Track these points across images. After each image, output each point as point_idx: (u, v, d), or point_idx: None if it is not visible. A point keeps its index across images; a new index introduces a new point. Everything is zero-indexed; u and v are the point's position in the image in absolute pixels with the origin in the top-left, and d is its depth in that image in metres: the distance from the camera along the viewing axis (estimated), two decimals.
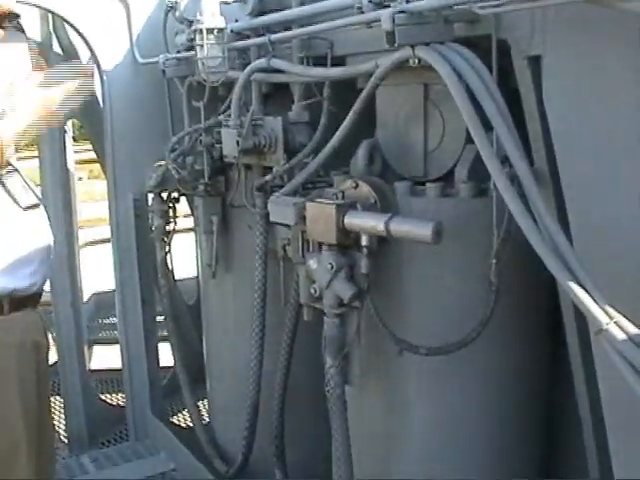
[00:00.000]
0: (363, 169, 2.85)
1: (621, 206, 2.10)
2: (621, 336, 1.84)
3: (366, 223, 2.55)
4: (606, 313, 1.88)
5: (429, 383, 2.83)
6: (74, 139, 7.51)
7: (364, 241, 2.58)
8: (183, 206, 4.69)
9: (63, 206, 5.22)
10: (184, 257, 5.23)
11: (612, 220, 2.13)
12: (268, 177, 3.30)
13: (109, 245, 5.08)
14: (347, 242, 2.65)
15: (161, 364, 5.26)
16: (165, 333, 4.74)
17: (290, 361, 3.51)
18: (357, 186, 2.71)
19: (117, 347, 5.24)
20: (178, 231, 4.59)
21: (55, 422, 5.84)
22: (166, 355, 5.11)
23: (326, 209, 2.63)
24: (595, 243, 2.16)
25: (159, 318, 5.07)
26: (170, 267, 4.42)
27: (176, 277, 5.85)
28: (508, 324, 2.71)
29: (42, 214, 3.46)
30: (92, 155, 6.56)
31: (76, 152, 7.38)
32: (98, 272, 7.02)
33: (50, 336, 3.77)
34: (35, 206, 3.39)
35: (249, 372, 3.72)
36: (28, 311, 3.35)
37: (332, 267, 2.64)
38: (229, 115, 3.50)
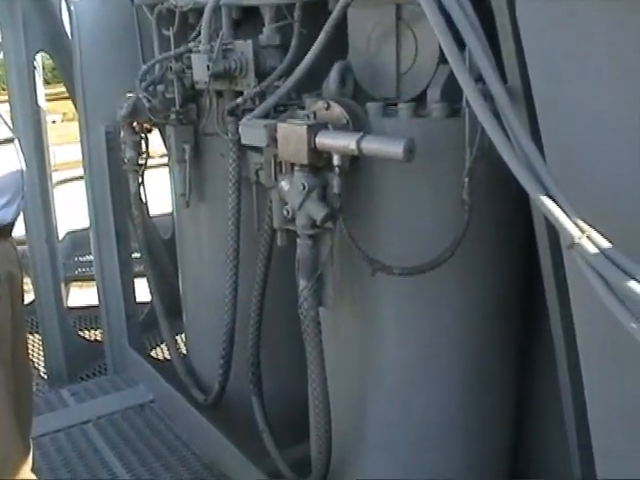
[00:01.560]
0: (335, 91, 2.81)
1: (593, 123, 2.09)
2: (593, 250, 1.84)
3: (338, 142, 2.53)
4: (578, 227, 1.87)
5: (403, 304, 2.84)
6: (47, 82, 7.38)
7: (336, 161, 2.56)
8: (160, 145, 4.65)
9: (35, 143, 5.13)
10: (160, 193, 5.21)
11: (585, 137, 2.12)
12: (239, 100, 3.26)
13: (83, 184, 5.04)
14: (319, 163, 2.63)
15: (138, 300, 5.27)
16: (142, 268, 4.73)
17: (265, 288, 3.51)
18: (329, 107, 2.68)
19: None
20: (153, 166, 4.54)
21: (34, 359, 5.87)
22: (143, 291, 5.11)
23: (297, 129, 2.60)
24: (567, 160, 2.15)
25: (135, 255, 5.06)
26: (144, 199, 4.37)
27: (152, 213, 5.84)
28: (482, 243, 2.72)
29: (15, 147, 3.40)
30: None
31: (48, 95, 7.26)
32: (74, 211, 6.99)
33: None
34: (9, 140, 3.33)
35: (224, 300, 3.73)
36: (0, 242, 3.31)
37: (304, 188, 2.63)
38: (199, 42, 3.45)
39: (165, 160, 4.39)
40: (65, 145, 13.31)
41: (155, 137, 4.51)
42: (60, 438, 4.36)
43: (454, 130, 2.53)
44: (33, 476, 3.28)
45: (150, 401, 4.65)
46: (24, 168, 3.35)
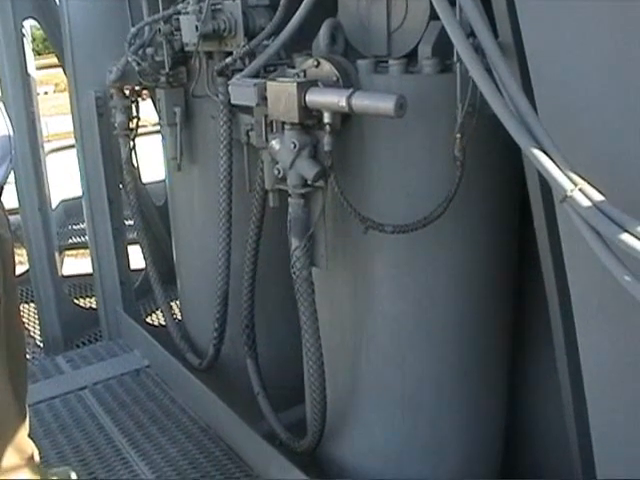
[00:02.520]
0: (325, 49, 2.78)
1: (585, 77, 2.07)
2: (585, 202, 1.82)
3: (328, 99, 2.50)
4: (570, 179, 1.86)
5: (396, 262, 2.83)
6: (38, 53, 7.31)
7: (326, 118, 2.54)
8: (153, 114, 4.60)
9: (26, 111, 5.08)
10: (152, 161, 5.19)
11: (577, 91, 2.09)
12: (228, 60, 3.22)
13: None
14: (310, 121, 2.61)
15: (133, 267, 5.27)
16: (135, 235, 4.71)
17: (258, 250, 3.49)
18: (319, 64, 2.65)
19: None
20: (146, 133, 4.46)
21: (30, 328, 5.88)
22: (137, 258, 5.10)
23: (287, 87, 2.58)
24: (560, 115, 2.13)
25: (129, 222, 5.04)
26: (135, 164, 4.34)
27: (145, 180, 5.82)
28: (475, 200, 2.70)
29: (1, 111, 3.37)
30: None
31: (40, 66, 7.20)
32: (67, 180, 6.97)
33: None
34: None
35: (217, 263, 3.72)
36: None
37: (295, 146, 2.61)
38: (188, 3, 3.42)
39: (158, 128, 4.35)
40: (57, 116, 13.23)
41: (148, 105, 4.48)
42: (57, 405, 4.37)
43: (445, 86, 2.50)
44: (30, 442, 3.28)
45: (145, 366, 4.66)
46: (11, 132, 3.32)
